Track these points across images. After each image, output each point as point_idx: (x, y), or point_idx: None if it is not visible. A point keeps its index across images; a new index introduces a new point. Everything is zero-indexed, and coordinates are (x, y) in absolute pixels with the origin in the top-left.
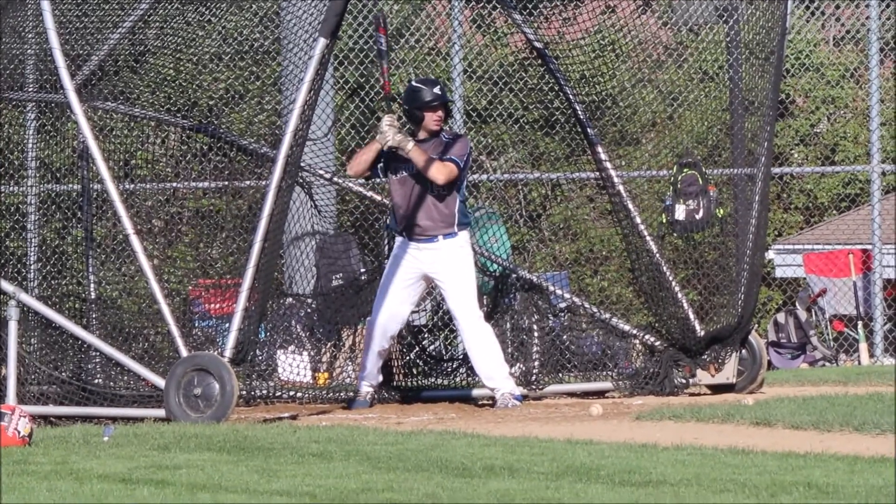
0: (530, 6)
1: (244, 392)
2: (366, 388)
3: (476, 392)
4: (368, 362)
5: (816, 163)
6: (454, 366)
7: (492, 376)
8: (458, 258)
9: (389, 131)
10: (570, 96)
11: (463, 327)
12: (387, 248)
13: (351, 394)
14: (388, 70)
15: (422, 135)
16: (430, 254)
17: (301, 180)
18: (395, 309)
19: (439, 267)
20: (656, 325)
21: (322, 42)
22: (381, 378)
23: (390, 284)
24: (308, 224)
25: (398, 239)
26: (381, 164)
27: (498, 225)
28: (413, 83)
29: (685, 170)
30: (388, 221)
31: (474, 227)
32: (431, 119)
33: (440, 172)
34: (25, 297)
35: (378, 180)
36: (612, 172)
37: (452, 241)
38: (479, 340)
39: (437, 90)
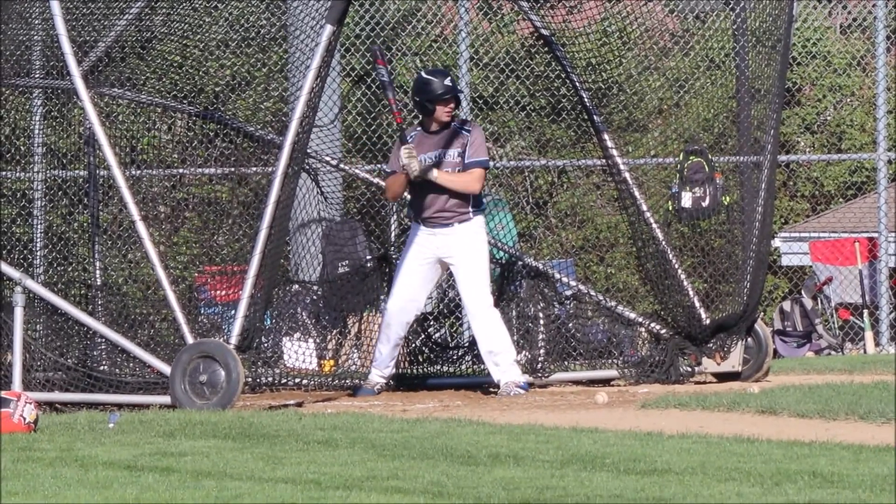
0: None
1: (250, 379)
2: (376, 378)
3: (480, 380)
4: (382, 350)
5: (823, 151)
6: (460, 353)
7: (498, 364)
8: (472, 242)
9: (413, 164)
10: (577, 83)
11: (471, 312)
12: (393, 234)
13: (356, 381)
14: (395, 100)
15: (433, 126)
16: (445, 238)
17: (307, 167)
18: (410, 295)
19: (454, 251)
20: (662, 312)
21: (329, 29)
22: (392, 369)
23: (405, 271)
24: (314, 211)
25: (413, 226)
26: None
27: (504, 212)
28: (423, 74)
29: (691, 157)
30: (393, 208)
31: None
32: (442, 111)
33: (477, 184)
34: (31, 283)
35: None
36: (619, 159)
37: (467, 226)
38: (487, 326)
39: (447, 82)
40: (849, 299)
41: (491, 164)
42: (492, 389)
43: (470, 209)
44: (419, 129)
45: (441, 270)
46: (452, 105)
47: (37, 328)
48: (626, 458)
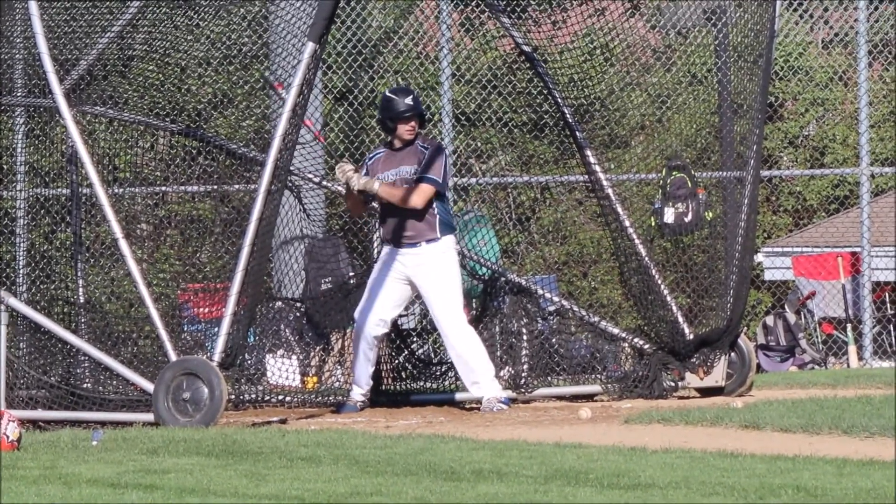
0: (518, 10)
1: (233, 396)
2: (357, 396)
3: (463, 396)
4: (357, 368)
5: (805, 165)
6: (443, 369)
7: (477, 381)
8: (440, 263)
9: (352, 178)
10: (559, 99)
11: (446, 333)
12: (376, 252)
13: (340, 398)
14: (311, 121)
15: (396, 143)
16: (413, 258)
17: (290, 184)
18: (379, 314)
19: (422, 272)
20: (645, 328)
21: (311, 46)
22: (370, 384)
23: (374, 289)
24: (297, 228)
25: (385, 246)
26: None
27: (487, 228)
28: (386, 93)
29: (674, 173)
30: (376, 225)
31: (463, 230)
32: (404, 129)
33: (416, 197)
34: (14, 302)
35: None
36: (601, 175)
37: (435, 247)
38: (463, 346)
39: (409, 101)
40: (832, 314)
41: (473, 180)
42: (471, 406)
43: (437, 230)
44: (384, 148)
45: (411, 290)
46: (414, 123)
47: (20, 346)
48: (610, 474)
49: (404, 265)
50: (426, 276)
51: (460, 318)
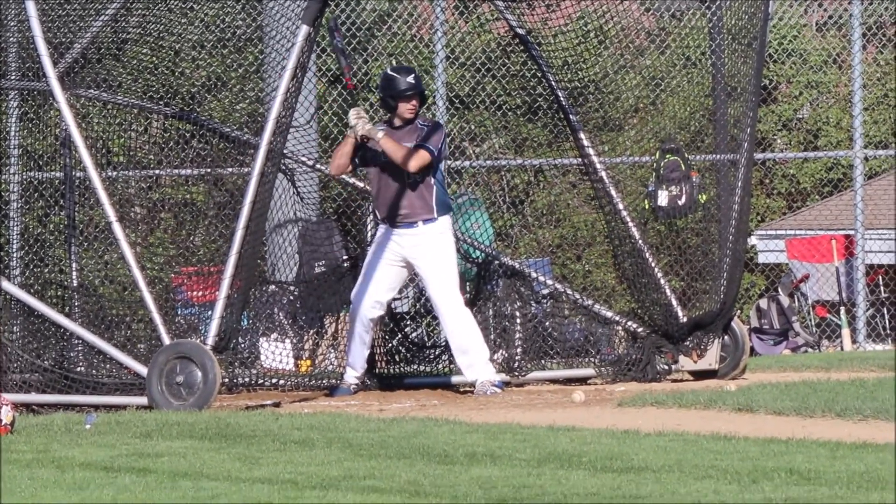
0: None
1: (226, 380)
2: (351, 379)
3: (457, 379)
4: (352, 351)
5: (799, 148)
6: (436, 353)
7: (471, 364)
8: (437, 244)
9: (358, 122)
10: (553, 82)
11: (443, 314)
12: (370, 235)
13: (333, 381)
14: (349, 67)
15: (396, 122)
16: (411, 239)
17: (284, 167)
18: (376, 295)
19: (419, 252)
20: (639, 311)
21: (305, 29)
22: (365, 367)
23: (371, 271)
24: (291, 211)
25: (381, 227)
26: (359, 155)
27: (481, 211)
28: (388, 71)
29: (668, 156)
30: (370, 208)
31: (457, 213)
32: (405, 108)
33: (412, 160)
34: (7, 285)
35: (361, 170)
36: (595, 158)
37: (432, 227)
38: (459, 328)
39: (410, 79)
40: (825, 297)
41: (467, 163)
42: (465, 389)
43: (434, 210)
44: (385, 125)
45: (408, 271)
46: (415, 102)
47: (13, 330)
48: (603, 457)
49: (401, 246)
50: (423, 256)
51: (457, 299)
